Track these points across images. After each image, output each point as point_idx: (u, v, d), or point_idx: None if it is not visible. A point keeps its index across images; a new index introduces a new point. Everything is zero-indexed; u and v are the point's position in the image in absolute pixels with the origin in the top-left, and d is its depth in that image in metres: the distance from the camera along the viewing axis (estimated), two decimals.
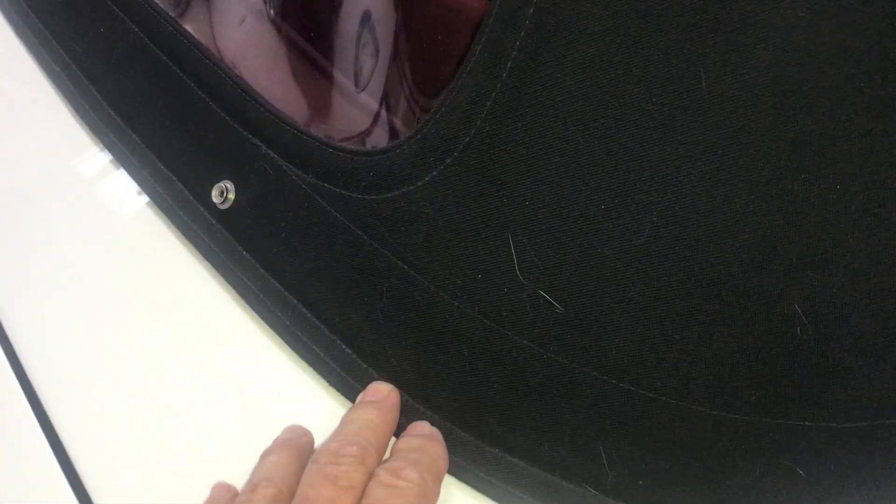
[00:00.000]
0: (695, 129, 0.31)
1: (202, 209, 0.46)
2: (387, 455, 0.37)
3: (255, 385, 0.42)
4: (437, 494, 0.35)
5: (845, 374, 0.32)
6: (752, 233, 0.31)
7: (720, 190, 0.31)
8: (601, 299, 0.34)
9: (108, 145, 0.53)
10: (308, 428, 0.40)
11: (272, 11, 0.54)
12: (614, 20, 0.32)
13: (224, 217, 0.45)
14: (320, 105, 0.51)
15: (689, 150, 0.31)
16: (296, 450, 0.37)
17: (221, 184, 0.45)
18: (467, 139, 0.36)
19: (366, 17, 0.48)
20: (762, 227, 0.31)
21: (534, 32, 0.33)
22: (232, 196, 0.45)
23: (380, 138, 0.47)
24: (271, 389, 0.42)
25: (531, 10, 0.33)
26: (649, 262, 0.33)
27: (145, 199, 0.50)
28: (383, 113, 0.47)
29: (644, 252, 0.33)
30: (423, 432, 0.38)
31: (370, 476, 0.34)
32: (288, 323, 0.42)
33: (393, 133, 0.46)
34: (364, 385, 0.40)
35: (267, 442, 0.39)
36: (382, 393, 0.39)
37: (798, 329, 0.31)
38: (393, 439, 0.38)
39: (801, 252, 0.31)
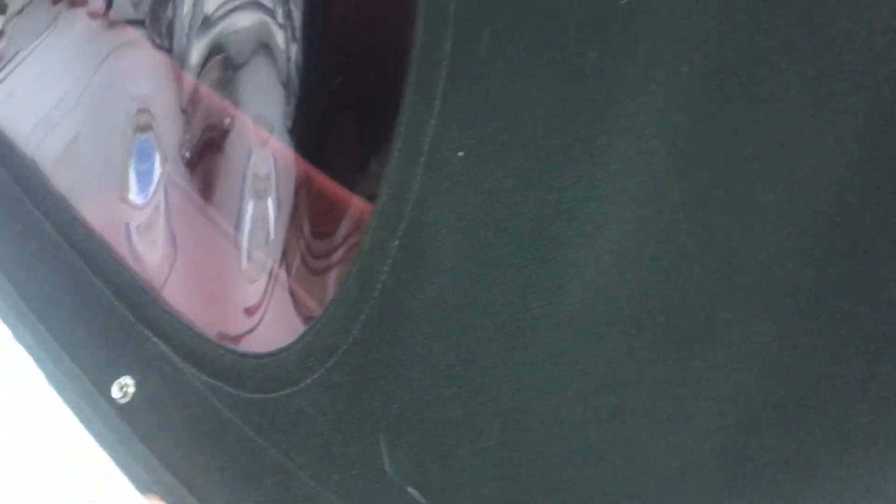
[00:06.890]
0: (529, 349, 0.36)
1: (104, 403, 0.49)
2: None
3: None
4: None
5: None
6: (580, 441, 0.36)
7: (552, 400, 0.36)
8: (459, 497, 0.38)
9: (19, 337, 0.55)
10: None
11: (167, 219, 0.59)
12: (463, 255, 0.37)
13: (123, 411, 0.48)
14: (220, 303, 0.55)
15: (525, 366, 0.36)
16: None
17: (122, 379, 0.48)
18: (345, 346, 0.40)
19: (260, 219, 0.53)
20: (590, 437, 0.36)
21: (399, 261, 0.39)
22: (132, 391, 0.48)
23: (273, 336, 0.51)
24: None
25: (396, 243, 0.39)
26: (499, 463, 0.37)
27: (51, 391, 0.53)
28: (275, 316, 0.51)
29: (494, 454, 0.37)
30: None
31: None
32: None
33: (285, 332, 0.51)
34: None
35: None
36: None
37: None
38: None
39: (624, 458, 0.35)
